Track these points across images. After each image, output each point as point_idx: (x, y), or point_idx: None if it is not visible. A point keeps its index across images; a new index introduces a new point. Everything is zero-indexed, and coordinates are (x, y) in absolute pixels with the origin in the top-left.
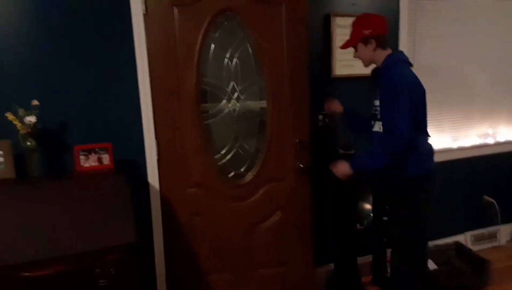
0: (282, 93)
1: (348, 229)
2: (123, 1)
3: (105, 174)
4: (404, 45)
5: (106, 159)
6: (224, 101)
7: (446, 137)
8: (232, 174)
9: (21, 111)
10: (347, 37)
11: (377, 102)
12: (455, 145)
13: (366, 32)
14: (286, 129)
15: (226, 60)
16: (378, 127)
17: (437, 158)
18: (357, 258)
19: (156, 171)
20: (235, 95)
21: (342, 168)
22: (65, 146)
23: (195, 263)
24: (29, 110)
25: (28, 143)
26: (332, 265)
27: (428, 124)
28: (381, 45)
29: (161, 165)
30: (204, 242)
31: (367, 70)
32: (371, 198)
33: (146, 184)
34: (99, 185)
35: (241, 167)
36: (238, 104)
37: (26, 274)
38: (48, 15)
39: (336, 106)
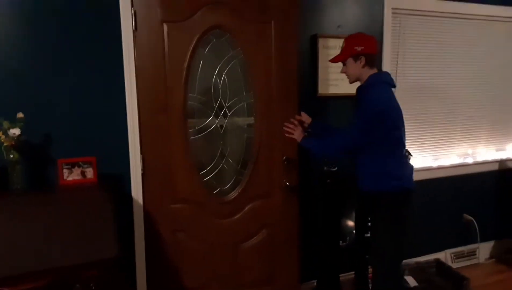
0: (270, 110)
1: (331, 246)
2: (113, 17)
3: (89, 188)
4: (387, 66)
5: (89, 173)
6: (211, 118)
7: (427, 156)
8: (217, 190)
9: (5, 124)
10: (332, 57)
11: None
12: (435, 164)
13: (358, 48)
14: (274, 146)
15: (214, 76)
16: None
17: (418, 177)
18: (340, 274)
19: (140, 186)
20: (223, 111)
21: (297, 135)
22: (49, 160)
23: (177, 279)
24: (14, 123)
25: (11, 156)
26: (314, 282)
27: (405, 144)
28: (369, 63)
29: (145, 180)
30: (188, 258)
31: (351, 90)
32: (354, 215)
33: (130, 198)
34: (82, 199)
35: (226, 184)
36: (225, 121)
37: (5, 289)
38: (36, 28)
39: (304, 117)
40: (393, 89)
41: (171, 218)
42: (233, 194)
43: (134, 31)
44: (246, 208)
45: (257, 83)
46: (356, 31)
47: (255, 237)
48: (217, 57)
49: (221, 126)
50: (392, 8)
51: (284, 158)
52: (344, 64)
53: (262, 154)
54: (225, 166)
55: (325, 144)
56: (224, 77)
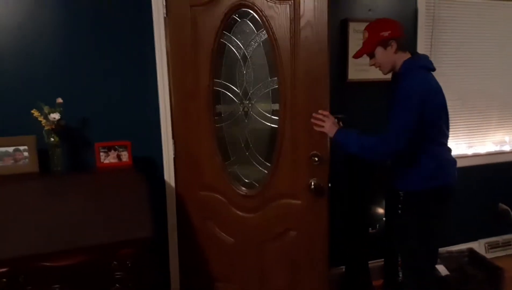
0: (296, 97)
1: (360, 233)
2: (145, 4)
3: (124, 170)
4: (421, 52)
5: (125, 156)
6: (236, 104)
7: (461, 143)
8: (242, 182)
9: (46, 108)
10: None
11: None
12: (470, 151)
13: (385, 34)
14: (299, 140)
15: (239, 60)
16: None
17: None
18: (369, 261)
19: (173, 170)
20: (248, 97)
21: (328, 128)
22: (87, 143)
23: (205, 265)
24: (54, 108)
25: (52, 139)
26: (343, 268)
27: (448, 135)
28: (401, 47)
29: (177, 164)
30: (215, 247)
31: (382, 75)
32: (383, 202)
33: (163, 181)
34: (118, 181)
35: (251, 176)
36: (250, 108)
37: (46, 264)
38: (75, 16)
39: None
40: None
41: (201, 205)
42: (258, 189)
43: (165, 18)
44: (270, 205)
45: (282, 67)
46: (388, 13)
47: (280, 239)
48: (242, 40)
49: (246, 113)
50: None
51: (311, 154)
52: (372, 57)
53: (287, 148)
54: (250, 157)
55: (367, 146)
56: (248, 61)
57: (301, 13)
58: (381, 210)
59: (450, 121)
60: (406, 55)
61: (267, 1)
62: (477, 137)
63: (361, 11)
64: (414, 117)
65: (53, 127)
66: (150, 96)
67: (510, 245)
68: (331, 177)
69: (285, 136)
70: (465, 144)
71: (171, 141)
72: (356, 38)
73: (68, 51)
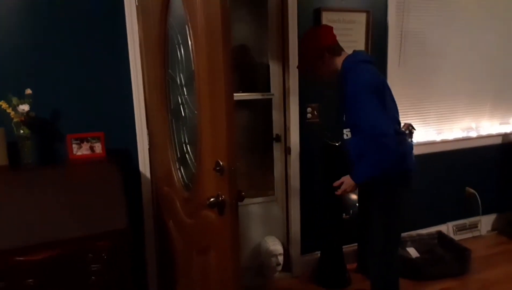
0: (214, 94)
1: (334, 219)
2: None
3: (97, 162)
4: (392, 39)
5: (98, 147)
6: (178, 96)
7: (430, 129)
8: (185, 183)
9: (14, 100)
10: (337, 31)
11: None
12: (439, 138)
13: (320, 46)
14: (208, 143)
15: (176, 48)
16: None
17: (421, 150)
18: (343, 246)
19: (148, 161)
20: (183, 89)
21: (348, 185)
22: (58, 135)
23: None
24: (23, 99)
25: (21, 131)
26: (318, 253)
27: (399, 120)
28: (335, 52)
29: (151, 155)
30: (173, 248)
31: None
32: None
33: (138, 173)
34: (91, 173)
35: (188, 178)
36: (185, 101)
37: (19, 258)
38: (43, 4)
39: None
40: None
41: (165, 200)
42: (191, 193)
43: (137, 6)
44: (200, 214)
45: (197, 54)
46: (360, 3)
47: (204, 255)
48: (178, 25)
49: (183, 106)
50: None
51: (215, 162)
52: (312, 69)
53: (205, 151)
54: (187, 156)
55: (373, 162)
56: (181, 48)
57: None
58: (354, 196)
59: (420, 108)
60: (343, 56)
61: None
62: (445, 124)
63: (334, 0)
64: (376, 101)
65: (23, 119)
66: (123, 86)
67: (476, 227)
68: (304, 167)
69: (202, 136)
70: (434, 130)
71: (145, 132)
72: None
73: (37, 40)
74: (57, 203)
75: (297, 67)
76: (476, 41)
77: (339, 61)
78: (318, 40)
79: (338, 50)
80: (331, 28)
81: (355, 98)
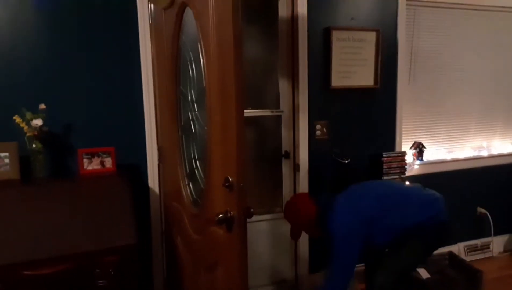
0: (225, 109)
1: None
2: (131, 11)
3: (108, 177)
4: (401, 59)
5: (108, 162)
6: (188, 112)
7: (441, 148)
8: (193, 199)
9: (28, 115)
10: (347, 50)
11: None
12: (449, 156)
13: (306, 221)
14: (217, 159)
15: (188, 64)
16: None
17: (432, 169)
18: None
19: (157, 177)
20: (194, 105)
21: None
22: (70, 149)
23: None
24: (36, 114)
25: (34, 146)
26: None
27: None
28: (316, 215)
29: (161, 171)
30: (181, 264)
31: (365, 82)
32: None
33: (147, 187)
34: (101, 187)
35: (197, 193)
36: (195, 117)
37: (27, 272)
38: (58, 21)
39: None
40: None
41: (174, 216)
42: (199, 209)
43: (151, 24)
44: (209, 230)
45: (209, 70)
46: (370, 22)
47: (212, 273)
48: (190, 42)
49: (193, 122)
50: (407, 0)
51: (224, 178)
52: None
53: (215, 167)
54: (196, 171)
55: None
56: (193, 65)
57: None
58: None
59: (431, 126)
60: (316, 210)
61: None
62: (456, 142)
63: (343, 20)
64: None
65: (36, 133)
66: (135, 102)
67: (488, 248)
68: (313, 184)
69: (212, 152)
70: (444, 149)
71: (155, 147)
72: (339, 46)
73: (51, 57)
74: (66, 218)
75: (292, 237)
76: (487, 59)
77: (317, 217)
78: (299, 215)
79: (318, 214)
80: (307, 197)
81: (337, 245)
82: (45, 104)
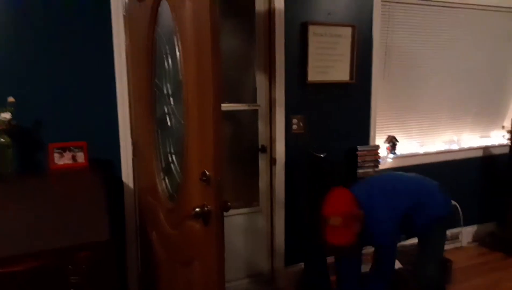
0: (202, 103)
1: (318, 230)
2: (104, 2)
3: (79, 172)
4: (376, 54)
5: (80, 157)
6: (164, 106)
7: (413, 142)
8: (169, 193)
9: None
10: (323, 45)
11: None
12: (421, 150)
13: (355, 213)
14: (195, 152)
15: (164, 57)
16: None
17: (405, 162)
18: (327, 257)
19: (131, 171)
20: (170, 99)
21: None
22: (40, 144)
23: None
24: (4, 107)
25: (2, 140)
26: (302, 264)
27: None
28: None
29: (135, 165)
30: (156, 261)
31: (341, 77)
32: None
33: (121, 182)
34: (73, 183)
35: (173, 188)
36: (171, 111)
37: None
38: (26, 12)
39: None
40: None
41: (149, 211)
42: (175, 203)
43: (124, 16)
44: (185, 224)
45: (185, 66)
46: (346, 17)
47: (188, 268)
48: (166, 35)
49: (169, 116)
50: None
51: (201, 172)
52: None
53: (192, 161)
54: (172, 165)
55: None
56: (169, 58)
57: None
58: None
59: (404, 121)
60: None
61: None
62: (428, 136)
63: (320, 15)
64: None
65: (4, 127)
66: (107, 95)
67: (458, 238)
68: (289, 178)
69: (189, 147)
70: (417, 143)
71: (129, 141)
72: (315, 41)
73: (20, 49)
74: (36, 214)
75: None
76: (458, 56)
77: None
78: (352, 207)
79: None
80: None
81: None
82: (14, 98)
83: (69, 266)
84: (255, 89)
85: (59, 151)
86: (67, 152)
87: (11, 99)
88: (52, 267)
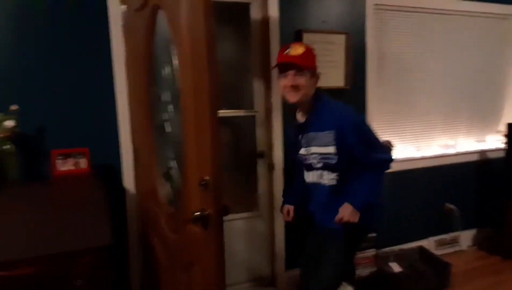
0: (198, 107)
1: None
2: (102, 12)
3: (82, 178)
4: (371, 62)
5: (83, 163)
6: (162, 113)
7: (409, 146)
8: (169, 198)
9: (0, 116)
10: (318, 52)
11: (312, 149)
12: (418, 154)
13: (317, 64)
14: (193, 158)
15: (161, 66)
16: (314, 177)
17: (401, 167)
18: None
19: (133, 177)
20: (168, 106)
21: (348, 213)
22: (43, 151)
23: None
24: (8, 114)
25: (7, 147)
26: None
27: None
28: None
29: (136, 171)
30: (158, 265)
31: (337, 83)
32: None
33: (122, 188)
34: (75, 189)
35: (173, 193)
36: (170, 117)
37: (1, 273)
38: (30, 21)
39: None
40: None
41: (150, 217)
42: (175, 209)
43: (123, 25)
44: (184, 229)
45: (182, 74)
46: (340, 25)
47: (186, 272)
48: (163, 43)
49: (168, 123)
50: (374, 4)
51: (200, 177)
52: (298, 73)
53: (191, 166)
54: (172, 171)
55: (376, 186)
56: (166, 66)
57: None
58: None
59: (399, 126)
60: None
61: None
62: (423, 141)
63: (315, 22)
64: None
65: (8, 134)
66: (108, 103)
67: (457, 242)
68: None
69: (187, 152)
70: (412, 147)
71: (130, 147)
72: None
73: (22, 57)
74: (40, 219)
75: (290, 57)
76: (451, 61)
77: (312, 91)
78: (316, 61)
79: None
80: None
81: (358, 128)
82: (18, 105)
83: (72, 271)
84: (252, 96)
85: (62, 157)
86: (70, 158)
87: (14, 107)
88: (56, 271)
